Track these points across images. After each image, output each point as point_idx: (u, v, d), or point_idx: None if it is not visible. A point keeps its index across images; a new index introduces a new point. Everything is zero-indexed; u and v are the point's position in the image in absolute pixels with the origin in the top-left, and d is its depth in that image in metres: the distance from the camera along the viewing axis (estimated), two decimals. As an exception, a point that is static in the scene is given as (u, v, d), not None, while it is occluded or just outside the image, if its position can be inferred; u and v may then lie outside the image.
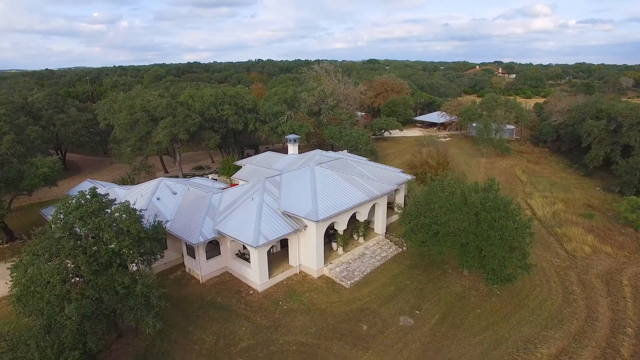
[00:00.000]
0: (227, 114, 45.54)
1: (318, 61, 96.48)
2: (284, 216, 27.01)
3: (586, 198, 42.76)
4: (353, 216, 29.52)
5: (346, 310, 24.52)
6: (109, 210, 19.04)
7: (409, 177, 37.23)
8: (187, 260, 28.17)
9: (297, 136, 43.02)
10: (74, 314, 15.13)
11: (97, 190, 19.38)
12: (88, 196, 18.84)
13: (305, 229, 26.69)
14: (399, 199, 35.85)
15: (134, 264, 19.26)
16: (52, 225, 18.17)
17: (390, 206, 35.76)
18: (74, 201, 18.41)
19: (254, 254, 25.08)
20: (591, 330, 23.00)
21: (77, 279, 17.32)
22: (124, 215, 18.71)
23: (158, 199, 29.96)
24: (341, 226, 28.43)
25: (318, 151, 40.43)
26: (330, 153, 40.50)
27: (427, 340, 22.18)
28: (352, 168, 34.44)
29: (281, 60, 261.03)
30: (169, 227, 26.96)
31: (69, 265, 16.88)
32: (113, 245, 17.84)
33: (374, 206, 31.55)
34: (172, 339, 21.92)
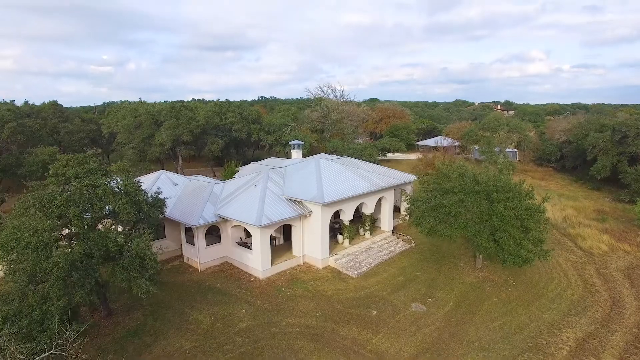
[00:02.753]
0: (231, 122, 45.54)
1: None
2: (289, 202, 26.01)
3: (596, 206, 41.69)
4: (358, 212, 28.55)
5: (354, 297, 22.91)
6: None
7: (414, 177, 36.42)
8: (186, 249, 26.82)
9: (302, 142, 42.69)
10: (62, 260, 13.87)
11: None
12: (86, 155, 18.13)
13: (310, 215, 25.59)
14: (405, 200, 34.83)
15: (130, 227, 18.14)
16: (48, 179, 17.31)
17: (397, 209, 34.78)
18: (71, 160, 17.68)
19: (256, 236, 23.86)
20: (619, 317, 21.29)
21: (67, 230, 16.17)
22: (121, 176, 17.88)
23: (158, 188, 29.01)
24: (347, 216, 27.32)
25: (322, 154, 39.96)
26: (335, 156, 40.03)
27: (441, 325, 20.48)
28: (357, 165, 33.80)
29: (285, 99, 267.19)
30: (168, 213, 25.88)
31: (60, 218, 15.83)
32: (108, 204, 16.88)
33: (380, 204, 30.54)
34: (166, 319, 20.27)
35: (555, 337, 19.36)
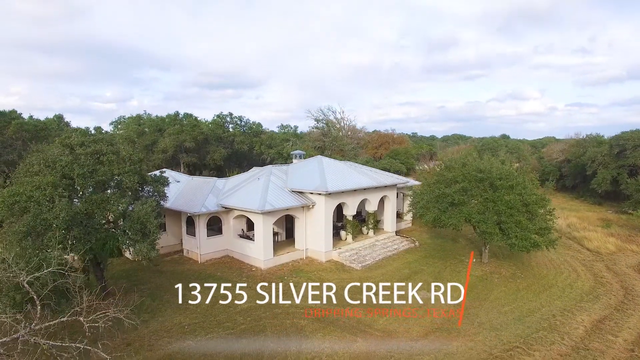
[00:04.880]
0: (233, 134, 46.04)
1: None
2: (292, 193, 25.82)
3: (599, 216, 41.46)
4: (361, 216, 28.29)
5: (358, 286, 22.16)
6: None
7: (417, 182, 36.38)
8: (186, 242, 26.28)
9: (303, 152, 42.93)
10: (64, 210, 13.56)
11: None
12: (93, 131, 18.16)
13: (313, 207, 25.32)
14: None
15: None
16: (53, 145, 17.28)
17: (399, 215, 34.53)
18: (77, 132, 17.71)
19: (258, 224, 23.47)
20: (633, 304, 20.60)
21: (70, 190, 15.89)
22: (126, 147, 17.87)
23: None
24: (350, 210, 27.03)
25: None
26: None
27: (450, 309, 19.72)
28: (360, 166, 33.88)
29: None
30: (170, 205, 25.58)
31: (64, 178, 15.64)
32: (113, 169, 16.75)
33: (383, 204, 30.33)
34: (164, 300, 19.56)
35: (570, 319, 18.65)
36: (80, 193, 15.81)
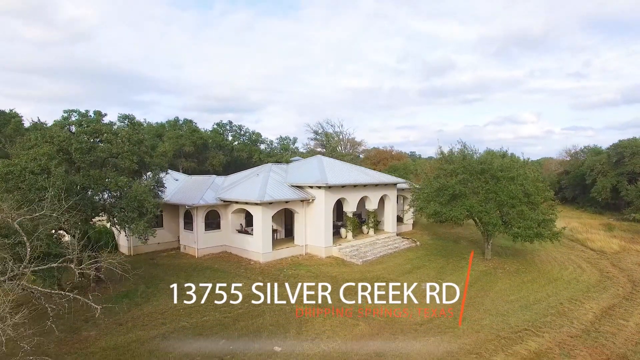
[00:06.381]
0: (232, 142, 46.11)
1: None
2: (291, 187, 25.55)
3: (601, 222, 41.12)
4: (361, 218, 27.97)
5: (359, 278, 21.57)
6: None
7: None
8: (183, 237, 25.76)
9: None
10: (59, 178, 13.25)
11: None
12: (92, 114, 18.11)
13: (312, 201, 25.00)
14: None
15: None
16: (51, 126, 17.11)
17: (399, 219, 34.16)
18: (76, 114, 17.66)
19: (257, 216, 23.08)
20: (642, 294, 20.04)
21: (68, 162, 15.61)
22: (126, 127, 17.75)
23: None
24: (350, 207, 26.68)
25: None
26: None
27: (455, 298, 19.11)
28: (359, 166, 33.73)
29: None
30: (168, 199, 25.22)
31: (61, 152, 15.41)
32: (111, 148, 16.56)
33: (383, 204, 30.02)
34: (159, 287, 18.90)
35: (578, 307, 18.09)
36: (78, 166, 15.53)
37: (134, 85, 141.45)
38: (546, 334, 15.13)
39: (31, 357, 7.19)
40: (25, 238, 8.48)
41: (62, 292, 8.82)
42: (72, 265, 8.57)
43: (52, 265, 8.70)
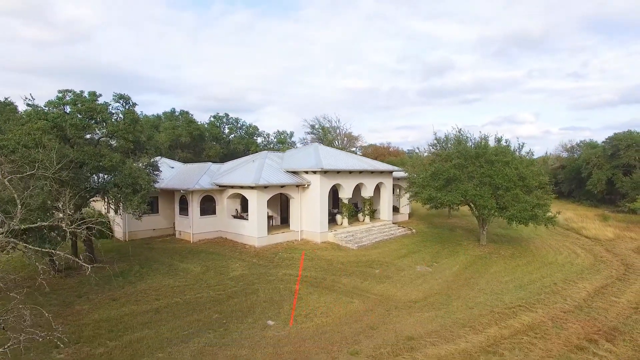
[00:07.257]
0: (229, 135, 46.04)
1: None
2: (287, 173, 25.55)
3: (597, 213, 41.29)
4: (357, 207, 27.98)
5: (355, 261, 21.62)
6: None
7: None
8: (178, 223, 25.72)
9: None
10: (53, 150, 13.19)
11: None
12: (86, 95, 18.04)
13: (308, 186, 25.01)
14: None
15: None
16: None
17: (395, 209, 34.19)
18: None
19: (252, 200, 23.06)
20: (635, 275, 20.13)
21: (63, 138, 15.55)
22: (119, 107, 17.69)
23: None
24: (346, 193, 26.70)
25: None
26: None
27: (450, 279, 19.22)
28: (355, 155, 33.76)
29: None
30: (164, 185, 25.18)
31: (55, 128, 15.35)
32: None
33: (379, 193, 30.05)
34: (154, 268, 18.86)
35: (571, 286, 18.16)
36: (72, 142, 15.48)
37: (133, 85, 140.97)
38: (539, 310, 15.19)
39: (21, 306, 7.16)
40: (15, 195, 8.44)
41: (53, 250, 8.79)
42: (63, 225, 8.53)
43: (44, 223, 8.66)
